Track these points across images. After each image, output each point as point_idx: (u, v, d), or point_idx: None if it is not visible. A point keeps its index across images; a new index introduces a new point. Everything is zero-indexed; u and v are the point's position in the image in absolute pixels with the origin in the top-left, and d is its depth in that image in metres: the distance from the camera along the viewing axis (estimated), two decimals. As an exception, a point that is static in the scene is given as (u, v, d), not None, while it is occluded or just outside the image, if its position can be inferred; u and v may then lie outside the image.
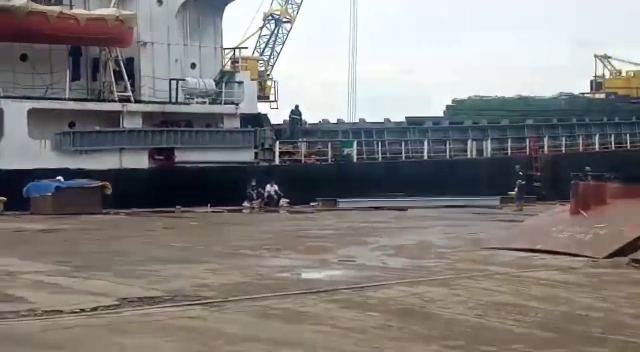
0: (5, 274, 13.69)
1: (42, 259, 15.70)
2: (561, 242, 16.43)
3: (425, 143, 43.23)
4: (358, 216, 30.18)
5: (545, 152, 45.71)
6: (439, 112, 56.11)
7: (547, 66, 77.86)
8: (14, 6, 32.88)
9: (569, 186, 18.70)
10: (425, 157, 42.84)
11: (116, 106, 35.40)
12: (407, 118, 49.22)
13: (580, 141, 47.53)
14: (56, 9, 34.10)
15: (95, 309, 10.54)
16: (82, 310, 10.45)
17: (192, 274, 13.67)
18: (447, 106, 57.02)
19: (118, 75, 35.83)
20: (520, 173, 37.30)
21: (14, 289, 12.12)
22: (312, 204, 35.48)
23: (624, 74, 60.05)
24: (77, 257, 16.32)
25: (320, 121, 45.66)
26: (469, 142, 44.65)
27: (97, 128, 34.83)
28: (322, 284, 12.58)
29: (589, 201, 17.64)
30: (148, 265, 14.88)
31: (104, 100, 35.96)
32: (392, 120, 47.93)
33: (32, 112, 33.02)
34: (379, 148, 41.98)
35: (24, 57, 34.74)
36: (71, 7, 35.20)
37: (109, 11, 35.27)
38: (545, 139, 46.44)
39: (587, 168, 28.71)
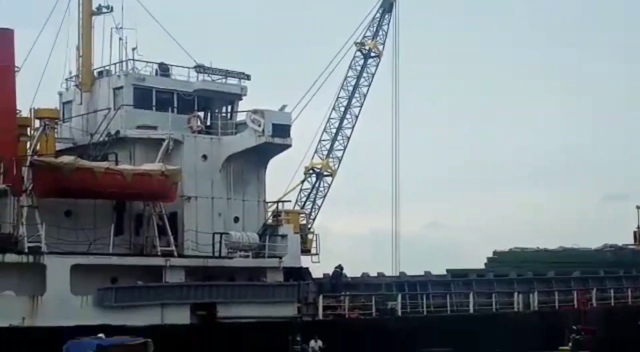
0: None
1: None
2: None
3: (471, 296, 42.27)
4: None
5: (594, 305, 44.53)
6: (479, 264, 55.35)
7: (581, 218, 77.82)
8: (61, 163, 33.20)
9: (623, 339, 17.81)
10: (471, 311, 41.82)
11: (159, 261, 34.99)
12: (448, 271, 48.40)
13: (630, 294, 46.42)
14: (103, 165, 34.25)
15: None
16: None
17: None
18: (489, 258, 56.29)
19: (161, 230, 35.69)
20: (575, 327, 36.18)
21: None
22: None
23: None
24: None
25: (361, 274, 44.97)
26: (516, 294, 43.61)
27: (140, 283, 34.39)
28: None
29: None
30: None
31: (146, 255, 35.67)
32: (433, 273, 47.12)
33: (74, 268, 32.56)
34: (424, 301, 41.07)
35: (68, 213, 34.76)
36: (117, 163, 35.52)
37: (155, 166, 35.37)
38: (594, 292, 45.33)
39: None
